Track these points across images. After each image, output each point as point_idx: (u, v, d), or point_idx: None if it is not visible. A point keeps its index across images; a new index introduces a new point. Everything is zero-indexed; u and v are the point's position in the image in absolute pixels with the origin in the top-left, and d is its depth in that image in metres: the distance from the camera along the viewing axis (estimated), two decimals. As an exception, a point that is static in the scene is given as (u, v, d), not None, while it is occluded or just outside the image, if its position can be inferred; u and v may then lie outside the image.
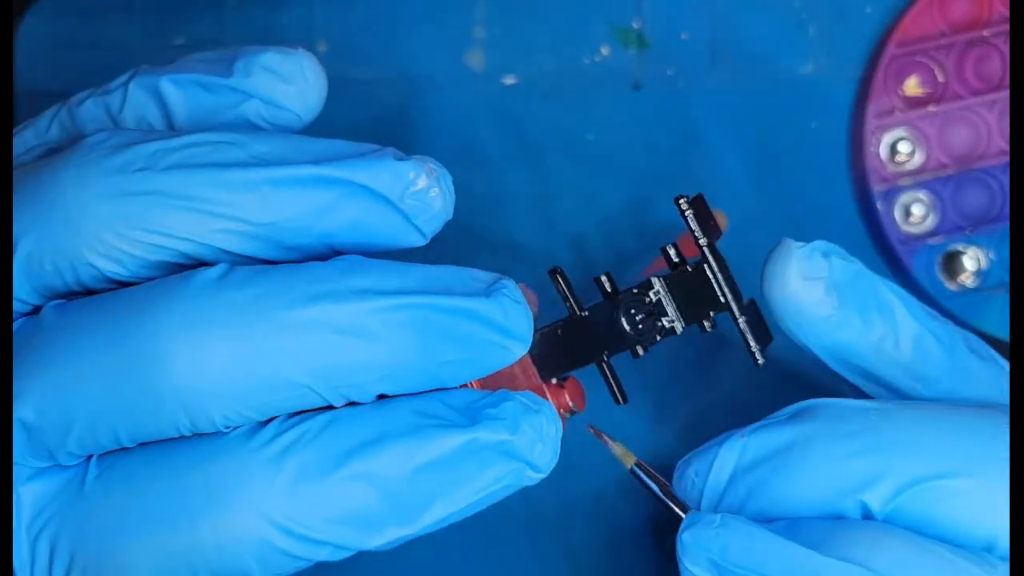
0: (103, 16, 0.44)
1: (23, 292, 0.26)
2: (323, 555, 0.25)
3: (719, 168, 0.42)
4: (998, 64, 0.42)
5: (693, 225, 0.29)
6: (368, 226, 0.26)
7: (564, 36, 0.43)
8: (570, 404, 0.30)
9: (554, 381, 0.30)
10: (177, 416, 0.25)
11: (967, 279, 0.41)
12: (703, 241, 0.29)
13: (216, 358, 0.24)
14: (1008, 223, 0.41)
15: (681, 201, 0.29)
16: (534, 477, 0.26)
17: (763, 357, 0.29)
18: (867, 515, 0.25)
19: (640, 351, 0.30)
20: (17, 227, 0.26)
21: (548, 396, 0.29)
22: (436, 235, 0.29)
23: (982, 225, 0.41)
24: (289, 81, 0.28)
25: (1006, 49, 0.41)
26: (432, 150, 0.29)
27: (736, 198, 0.42)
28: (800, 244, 0.28)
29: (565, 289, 0.30)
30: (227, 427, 0.25)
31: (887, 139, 0.42)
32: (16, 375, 0.25)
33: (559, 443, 0.27)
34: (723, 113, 0.42)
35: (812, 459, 0.25)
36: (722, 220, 0.30)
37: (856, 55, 0.43)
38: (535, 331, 0.29)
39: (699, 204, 0.29)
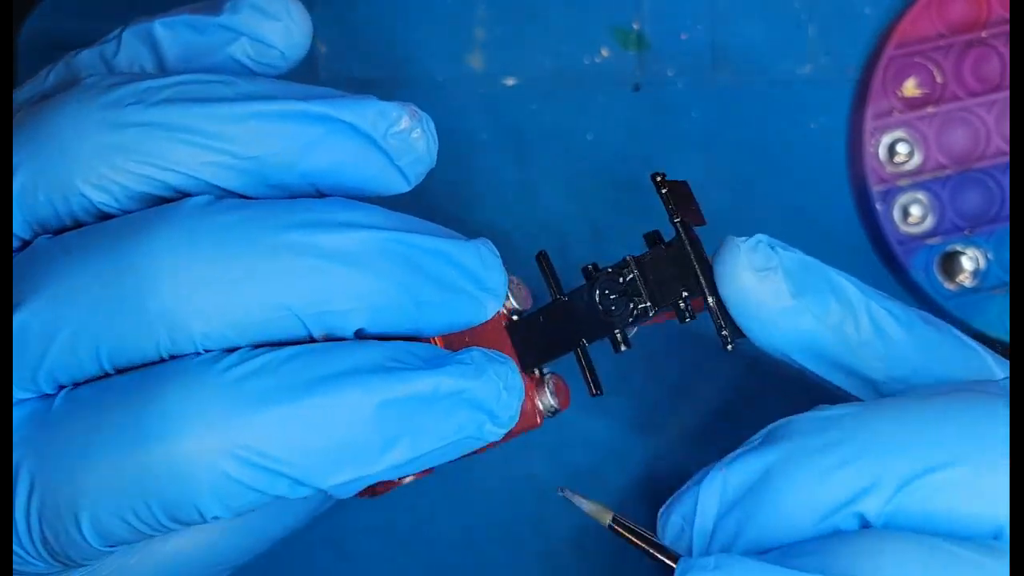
0: (103, 17, 0.44)
1: (17, 226, 0.27)
2: (281, 489, 0.25)
3: (719, 168, 0.42)
4: (996, 65, 0.42)
5: (667, 199, 0.28)
6: (351, 165, 0.27)
7: (564, 37, 0.43)
8: (552, 402, 0.29)
9: (537, 374, 0.30)
10: (158, 332, 0.25)
11: (966, 279, 0.41)
12: (676, 218, 0.28)
13: (202, 275, 0.25)
14: (1007, 223, 0.41)
15: (657, 178, 0.29)
16: (494, 432, 0.26)
17: (732, 341, 0.28)
18: (864, 525, 0.24)
19: (621, 344, 0.29)
20: (15, 160, 0.26)
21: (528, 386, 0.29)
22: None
23: (981, 225, 0.41)
24: (275, 18, 0.29)
25: (1004, 50, 0.41)
26: (432, 150, 0.29)
27: (735, 198, 0.42)
28: (743, 238, 0.28)
29: (548, 272, 0.30)
30: (207, 350, 0.25)
31: (886, 140, 0.42)
32: (14, 292, 0.26)
33: (521, 399, 0.27)
34: (723, 113, 0.42)
35: (796, 480, 0.24)
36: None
37: (855, 56, 0.43)
38: (520, 320, 0.29)
39: (680, 186, 0.29)
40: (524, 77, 0.43)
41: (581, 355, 0.29)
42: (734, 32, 0.43)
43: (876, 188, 0.42)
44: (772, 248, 0.28)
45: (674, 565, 0.25)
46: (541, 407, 0.29)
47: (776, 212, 0.42)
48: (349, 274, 0.25)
